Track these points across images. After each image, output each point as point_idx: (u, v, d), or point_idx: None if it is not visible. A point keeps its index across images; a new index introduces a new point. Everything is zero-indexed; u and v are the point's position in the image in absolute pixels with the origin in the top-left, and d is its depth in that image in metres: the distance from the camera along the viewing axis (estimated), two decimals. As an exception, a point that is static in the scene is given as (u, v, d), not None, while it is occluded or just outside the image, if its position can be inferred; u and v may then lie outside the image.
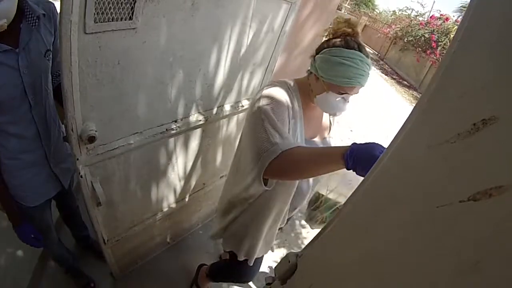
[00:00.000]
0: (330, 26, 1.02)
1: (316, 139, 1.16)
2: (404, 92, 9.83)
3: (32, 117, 1.09)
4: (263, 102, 0.97)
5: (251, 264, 1.36)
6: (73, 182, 1.56)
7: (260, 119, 0.93)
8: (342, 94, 0.99)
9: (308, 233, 2.70)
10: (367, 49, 1.01)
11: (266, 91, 1.00)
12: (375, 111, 6.65)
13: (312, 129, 1.15)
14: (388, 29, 14.28)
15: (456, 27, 9.55)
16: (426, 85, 0.38)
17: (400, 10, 16.32)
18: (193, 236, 2.31)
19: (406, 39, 11.94)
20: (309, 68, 1.07)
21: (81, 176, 1.10)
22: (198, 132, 1.54)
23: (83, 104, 0.95)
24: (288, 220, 1.33)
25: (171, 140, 1.42)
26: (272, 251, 2.40)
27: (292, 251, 0.75)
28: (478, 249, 0.29)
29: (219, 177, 2.05)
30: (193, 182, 1.82)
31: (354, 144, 0.78)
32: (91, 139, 1.00)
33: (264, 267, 2.24)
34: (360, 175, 0.75)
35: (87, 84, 0.92)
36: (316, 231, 0.71)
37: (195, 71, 1.26)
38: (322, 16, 2.32)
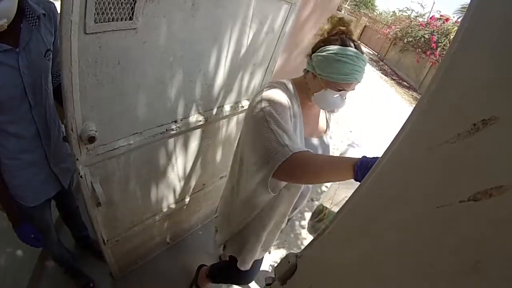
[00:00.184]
0: (325, 26, 1.03)
1: (314, 138, 1.16)
2: (404, 93, 9.83)
3: (32, 117, 1.09)
4: (265, 104, 0.96)
5: (248, 268, 1.37)
6: (73, 182, 1.56)
7: (265, 121, 0.93)
8: (340, 90, 1.01)
9: (308, 234, 2.69)
10: (365, 49, 1.02)
11: (266, 94, 1.00)
12: (374, 111, 6.66)
13: (310, 128, 1.15)
14: (388, 30, 14.28)
15: (456, 28, 9.55)
16: (426, 86, 0.38)
17: (400, 10, 16.32)
18: (192, 237, 2.31)
19: (406, 40, 11.94)
20: (305, 67, 1.08)
21: (81, 176, 1.10)
22: (198, 132, 1.54)
23: (83, 104, 0.95)
24: (288, 220, 1.33)
25: (171, 140, 1.42)
26: (269, 253, 2.40)
27: (292, 251, 0.75)
28: (478, 249, 0.29)
29: (219, 177, 2.05)
30: (193, 183, 1.82)
31: (364, 157, 0.78)
32: (91, 139, 1.00)
33: (265, 266, 2.25)
34: None
35: (87, 84, 0.92)
36: (316, 231, 0.71)
37: (195, 71, 1.26)
38: (322, 17, 2.33)
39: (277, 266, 0.76)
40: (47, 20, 1.07)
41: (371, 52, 15.41)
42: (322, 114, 1.24)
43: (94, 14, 0.80)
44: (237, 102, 1.65)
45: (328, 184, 1.32)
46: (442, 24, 10.81)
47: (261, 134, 0.92)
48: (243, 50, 1.41)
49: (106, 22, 0.84)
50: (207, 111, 1.49)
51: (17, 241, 1.23)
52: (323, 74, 0.99)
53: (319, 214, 1.20)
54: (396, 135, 0.43)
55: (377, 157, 0.78)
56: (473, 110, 0.30)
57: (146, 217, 1.65)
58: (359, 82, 1.01)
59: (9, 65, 0.95)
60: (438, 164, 0.34)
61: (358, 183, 0.79)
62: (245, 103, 1.69)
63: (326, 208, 1.18)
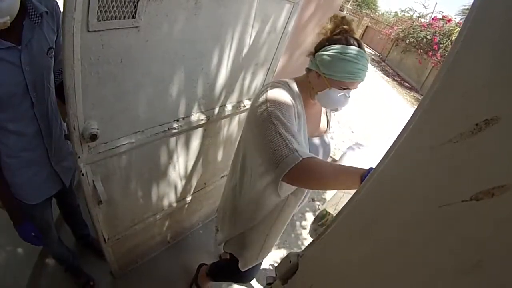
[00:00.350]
0: (329, 25, 1.03)
1: (315, 137, 1.16)
2: (406, 93, 9.82)
3: (33, 115, 1.09)
4: (270, 105, 0.96)
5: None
6: (74, 180, 1.56)
7: (272, 124, 0.92)
8: (343, 89, 1.02)
9: (309, 235, 2.69)
10: (367, 49, 1.03)
11: (271, 94, 0.99)
12: (376, 112, 6.65)
13: (312, 127, 1.15)
14: (390, 31, 14.28)
15: (458, 29, 9.53)
16: (428, 87, 0.38)
17: (402, 11, 16.34)
18: (193, 236, 2.31)
19: (408, 40, 11.93)
20: (308, 66, 1.08)
21: (83, 174, 1.10)
22: (199, 131, 1.54)
23: (85, 102, 0.95)
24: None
25: (173, 139, 1.42)
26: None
27: (293, 251, 0.75)
28: (480, 249, 0.29)
29: (220, 177, 2.05)
30: (194, 182, 1.82)
31: (371, 168, 0.79)
32: (93, 137, 1.00)
33: (266, 265, 2.25)
34: None
35: (89, 82, 0.92)
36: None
37: (197, 70, 1.26)
38: (324, 17, 2.32)
39: (278, 265, 0.76)
40: (49, 18, 1.07)
41: (373, 53, 15.41)
42: (323, 113, 1.24)
43: (97, 12, 0.80)
44: (239, 102, 1.65)
45: (333, 191, 1.33)
46: (444, 25, 10.79)
47: (269, 137, 0.92)
48: (245, 50, 1.41)
49: (109, 20, 0.84)
50: (209, 110, 1.49)
51: (17, 239, 1.24)
52: (328, 73, 0.99)
53: (322, 218, 1.21)
54: (399, 134, 0.43)
55: None
56: (476, 110, 0.30)
57: (147, 216, 1.66)
58: (363, 80, 1.01)
59: (11, 62, 0.95)
60: (441, 164, 0.34)
61: None
62: (247, 103, 1.69)
63: (329, 213, 1.19)
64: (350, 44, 0.97)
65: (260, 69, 1.61)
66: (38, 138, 1.15)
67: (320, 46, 1.03)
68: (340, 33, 1.01)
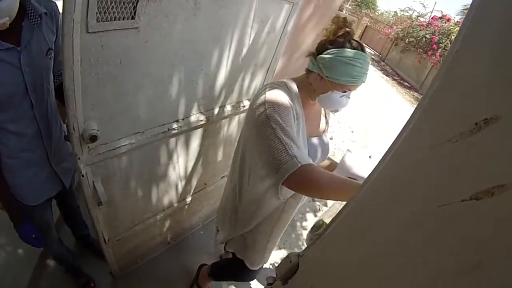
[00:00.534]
0: (332, 26, 1.03)
1: (314, 137, 1.16)
2: (405, 93, 9.83)
3: (33, 115, 1.09)
4: (268, 107, 0.96)
5: (257, 267, 1.40)
6: (74, 181, 1.56)
7: (271, 128, 0.93)
8: (345, 91, 1.02)
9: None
10: (366, 49, 1.03)
11: (269, 96, 0.99)
12: (376, 112, 6.65)
13: (311, 127, 1.15)
14: (389, 30, 14.28)
15: (457, 28, 9.53)
16: (427, 87, 0.38)
17: (401, 10, 16.34)
18: (193, 236, 2.31)
19: (407, 40, 11.93)
20: (308, 67, 1.08)
21: (83, 175, 1.10)
22: (199, 132, 1.54)
23: (84, 103, 0.95)
24: None
25: (172, 140, 1.42)
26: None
27: (293, 251, 0.75)
28: (479, 249, 0.29)
29: (220, 177, 2.05)
30: (194, 182, 1.82)
31: None
32: (93, 138, 1.00)
33: (266, 265, 2.25)
34: None
35: (89, 83, 0.92)
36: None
37: (196, 70, 1.26)
38: (323, 18, 2.32)
39: (278, 265, 0.76)
40: (48, 19, 1.07)
41: (373, 52, 15.41)
42: (322, 113, 1.24)
43: (96, 13, 0.80)
44: (238, 102, 1.65)
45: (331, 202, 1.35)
46: (444, 25, 10.79)
47: (268, 142, 0.92)
48: (244, 50, 1.41)
49: (108, 21, 0.84)
50: (209, 111, 1.49)
51: (18, 240, 1.24)
52: (331, 77, 0.99)
53: (319, 228, 1.22)
54: (399, 133, 0.43)
55: None
56: (475, 109, 0.30)
57: (147, 217, 1.66)
58: (364, 82, 1.02)
59: (11, 63, 0.95)
60: (440, 163, 0.34)
61: None
62: (247, 103, 1.69)
63: (326, 223, 1.20)
64: (354, 48, 0.97)
65: (259, 69, 1.61)
66: (38, 139, 1.15)
67: (323, 48, 1.02)
68: (343, 35, 1.00)
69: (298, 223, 2.79)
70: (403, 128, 0.42)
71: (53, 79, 1.18)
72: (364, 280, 0.47)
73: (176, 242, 2.19)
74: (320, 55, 1.01)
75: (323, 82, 1.02)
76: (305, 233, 2.71)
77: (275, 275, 0.80)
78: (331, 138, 4.28)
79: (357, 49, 0.97)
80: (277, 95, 0.99)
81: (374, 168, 0.48)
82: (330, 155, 1.30)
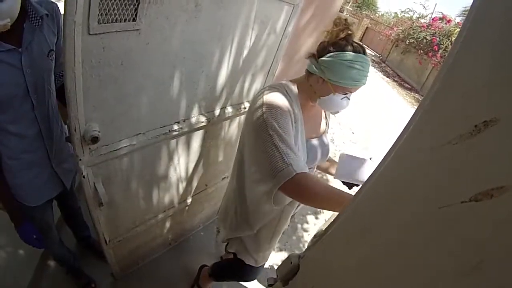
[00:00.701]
0: (334, 28, 1.03)
1: (313, 139, 1.16)
2: (406, 94, 9.82)
3: (34, 117, 1.09)
4: (266, 112, 0.96)
5: (260, 265, 1.41)
6: (75, 182, 1.56)
7: (269, 135, 0.93)
8: (346, 93, 1.03)
9: (310, 236, 2.69)
10: (367, 50, 1.04)
11: (267, 99, 0.99)
12: (376, 113, 6.64)
13: (310, 129, 1.15)
14: (390, 31, 14.26)
15: (458, 29, 9.53)
16: (428, 88, 0.38)
17: (402, 12, 16.32)
18: (194, 237, 2.31)
19: (408, 41, 11.91)
20: (308, 69, 1.07)
21: (84, 177, 1.10)
22: (200, 133, 1.54)
23: (86, 104, 0.95)
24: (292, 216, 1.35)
25: (173, 141, 1.42)
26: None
27: (294, 252, 0.75)
28: (479, 250, 0.29)
29: (221, 178, 2.05)
30: (195, 183, 1.82)
31: None
32: (94, 140, 1.00)
33: (267, 266, 2.24)
34: None
35: (90, 85, 0.92)
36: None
37: (197, 72, 1.26)
38: (324, 20, 2.32)
39: (279, 266, 0.76)
40: (50, 21, 1.08)
41: (373, 54, 15.40)
42: (321, 114, 1.24)
43: (98, 15, 0.80)
44: (239, 103, 1.65)
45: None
46: (444, 26, 10.78)
47: (265, 148, 0.93)
48: (245, 52, 1.41)
49: (110, 23, 0.85)
50: (210, 112, 1.49)
51: (18, 240, 1.24)
52: (334, 79, 0.99)
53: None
54: (399, 135, 0.43)
55: None
56: (475, 111, 0.30)
57: (148, 218, 1.66)
58: (364, 84, 1.03)
59: (12, 65, 0.96)
60: (441, 165, 0.34)
61: None
62: (247, 105, 1.69)
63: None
64: (358, 52, 0.98)
65: (260, 71, 1.61)
66: (39, 140, 1.16)
67: (324, 50, 1.02)
68: (344, 38, 1.00)
69: (299, 225, 2.79)
70: (403, 129, 0.42)
71: (55, 81, 1.18)
72: (365, 281, 0.47)
73: (177, 243, 2.19)
74: (322, 58, 1.01)
75: (325, 85, 1.02)
76: (306, 235, 2.71)
77: (275, 276, 0.80)
78: (331, 140, 4.27)
79: (358, 52, 0.98)
80: (275, 98, 1.00)
81: (375, 169, 0.48)
82: (331, 156, 1.30)
